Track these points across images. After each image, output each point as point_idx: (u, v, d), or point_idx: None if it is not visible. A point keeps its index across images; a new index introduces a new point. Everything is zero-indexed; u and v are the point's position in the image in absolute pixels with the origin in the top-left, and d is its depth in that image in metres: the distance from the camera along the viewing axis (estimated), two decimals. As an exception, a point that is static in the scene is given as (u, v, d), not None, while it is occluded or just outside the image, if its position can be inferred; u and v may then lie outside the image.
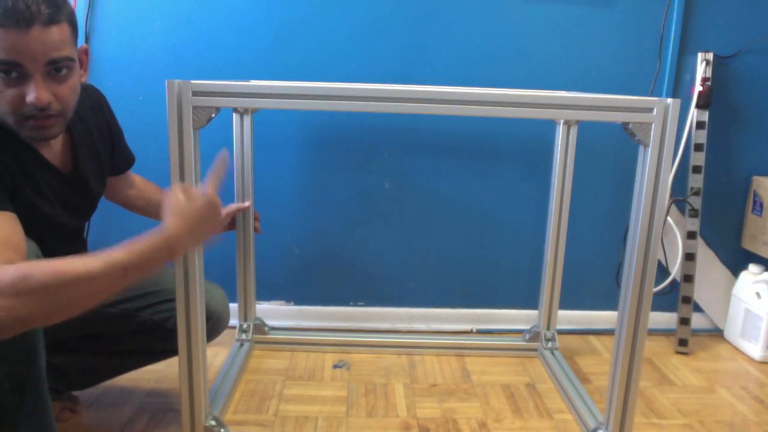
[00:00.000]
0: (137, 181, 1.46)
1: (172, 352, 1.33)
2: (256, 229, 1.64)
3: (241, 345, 1.69)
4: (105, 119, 1.26)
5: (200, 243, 1.04)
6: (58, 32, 0.93)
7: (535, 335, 1.76)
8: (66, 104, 1.00)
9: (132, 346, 1.01)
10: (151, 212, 1.45)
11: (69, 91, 0.99)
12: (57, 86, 0.97)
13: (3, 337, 0.84)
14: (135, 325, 1.27)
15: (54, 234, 1.13)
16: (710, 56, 1.76)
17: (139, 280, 0.91)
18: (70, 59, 0.97)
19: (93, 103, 1.23)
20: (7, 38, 0.89)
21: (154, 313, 1.27)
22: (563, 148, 1.61)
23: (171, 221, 0.95)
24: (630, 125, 1.08)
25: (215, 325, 1.32)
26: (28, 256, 0.93)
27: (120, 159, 1.35)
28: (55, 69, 0.96)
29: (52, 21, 0.92)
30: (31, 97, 0.93)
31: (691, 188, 1.81)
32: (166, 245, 0.93)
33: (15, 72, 0.92)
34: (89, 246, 1.33)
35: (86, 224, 1.35)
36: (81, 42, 1.10)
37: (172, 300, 1.26)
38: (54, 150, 1.10)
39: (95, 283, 0.85)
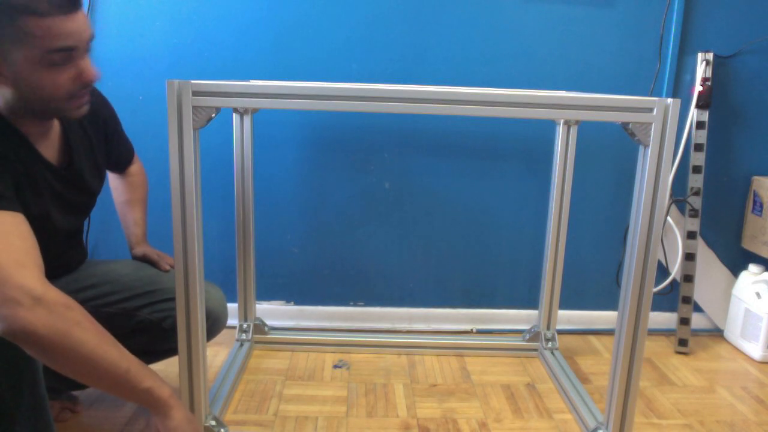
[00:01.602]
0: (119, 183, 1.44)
1: (171, 352, 1.33)
2: (163, 267, 1.36)
3: (241, 345, 1.69)
4: (102, 117, 1.26)
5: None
6: (83, 11, 1.00)
7: (535, 335, 1.76)
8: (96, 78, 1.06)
9: (130, 346, 1.02)
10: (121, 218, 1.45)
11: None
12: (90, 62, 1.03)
13: (13, 340, 0.86)
14: (133, 325, 1.27)
15: (51, 233, 1.12)
16: (710, 56, 1.76)
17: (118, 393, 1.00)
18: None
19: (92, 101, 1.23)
20: (63, 25, 0.94)
21: (152, 312, 1.27)
22: (563, 148, 1.61)
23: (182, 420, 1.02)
24: (630, 125, 1.08)
25: (213, 325, 1.33)
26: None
27: (115, 157, 1.35)
28: (88, 48, 1.02)
29: (80, 2, 0.99)
30: (90, 74, 1.00)
31: (691, 188, 1.81)
32: (164, 409, 1.00)
33: (69, 57, 0.97)
34: (89, 246, 1.32)
35: (86, 225, 1.34)
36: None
37: (171, 299, 1.27)
38: (49, 146, 1.11)
39: (103, 375, 0.95)
